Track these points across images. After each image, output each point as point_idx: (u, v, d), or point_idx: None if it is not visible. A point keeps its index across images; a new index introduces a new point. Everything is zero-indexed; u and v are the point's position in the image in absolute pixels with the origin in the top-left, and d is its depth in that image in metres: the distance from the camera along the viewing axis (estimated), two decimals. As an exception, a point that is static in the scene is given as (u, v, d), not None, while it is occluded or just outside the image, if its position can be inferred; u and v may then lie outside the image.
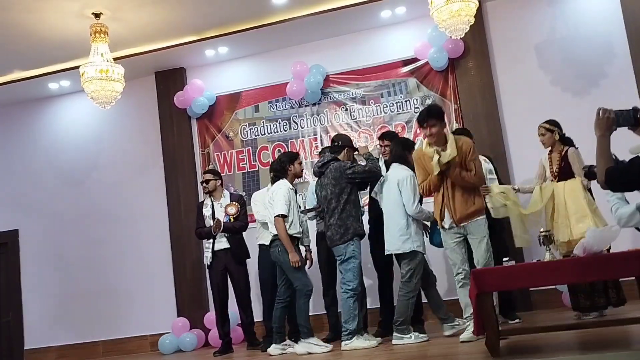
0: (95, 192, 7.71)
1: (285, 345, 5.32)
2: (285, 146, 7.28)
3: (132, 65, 6.92)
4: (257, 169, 7.30)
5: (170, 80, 7.62)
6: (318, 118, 7.26)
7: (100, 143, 7.86)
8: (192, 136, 7.57)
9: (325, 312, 5.90)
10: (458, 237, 4.64)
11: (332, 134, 7.15)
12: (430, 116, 4.60)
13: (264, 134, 7.41)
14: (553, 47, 6.64)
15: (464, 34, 5.69)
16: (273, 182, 5.42)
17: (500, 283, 3.88)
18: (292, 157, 5.52)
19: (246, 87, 7.50)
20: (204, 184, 6.17)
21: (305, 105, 7.29)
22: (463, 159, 4.59)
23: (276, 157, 5.99)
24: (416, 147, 5.05)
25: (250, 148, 7.42)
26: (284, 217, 5.16)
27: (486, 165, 5.41)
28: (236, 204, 6.08)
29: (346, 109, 7.19)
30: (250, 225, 6.25)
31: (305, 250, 5.79)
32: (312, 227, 5.98)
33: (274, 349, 5.29)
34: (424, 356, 4.27)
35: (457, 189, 4.61)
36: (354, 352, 4.86)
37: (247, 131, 7.46)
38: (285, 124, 7.37)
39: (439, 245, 4.95)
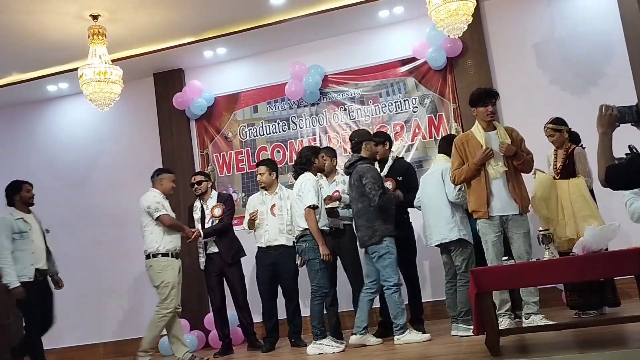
0: (95, 194, 7.71)
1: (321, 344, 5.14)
2: (284, 147, 7.28)
3: (131, 66, 6.92)
4: (256, 169, 7.27)
5: (168, 81, 7.62)
6: (317, 118, 7.26)
7: (99, 145, 7.86)
8: (191, 137, 7.57)
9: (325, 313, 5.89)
10: (499, 232, 4.69)
11: (331, 134, 7.16)
12: (495, 95, 4.77)
13: (263, 134, 7.41)
14: (551, 46, 6.64)
15: (462, 33, 5.70)
16: (297, 177, 5.40)
17: (499, 282, 3.87)
18: (316, 150, 5.55)
19: (245, 87, 7.51)
20: (196, 186, 6.09)
21: (304, 106, 7.29)
22: (517, 146, 4.71)
23: (298, 152, 5.92)
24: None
25: (249, 149, 7.42)
26: (314, 207, 5.12)
27: None
28: (221, 204, 6.00)
29: (345, 109, 7.19)
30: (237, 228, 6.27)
31: None
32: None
33: (311, 348, 5.11)
34: (424, 356, 4.27)
35: (518, 176, 4.71)
36: (358, 350, 4.87)
37: (246, 132, 7.46)
38: (284, 124, 7.36)
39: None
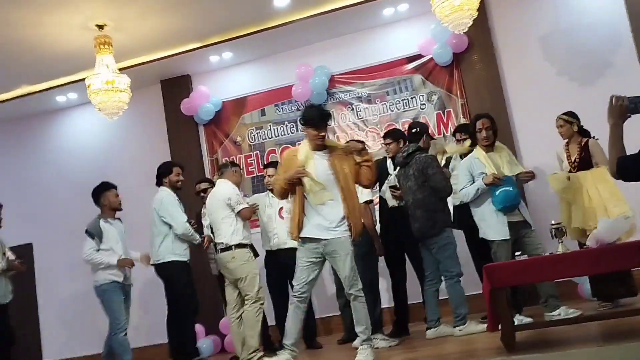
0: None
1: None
2: (293, 149, 7.29)
3: (138, 74, 6.96)
4: (264, 172, 7.28)
5: (176, 88, 7.65)
6: (325, 119, 7.24)
7: (109, 153, 7.92)
8: (200, 143, 7.59)
9: (339, 313, 5.89)
10: (313, 257, 4.30)
11: (340, 134, 7.16)
12: (329, 119, 4.37)
13: (271, 137, 7.42)
14: (557, 38, 6.60)
15: (467, 28, 5.68)
16: None
17: (513, 277, 3.85)
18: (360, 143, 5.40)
19: (252, 91, 7.53)
20: (202, 194, 6.08)
21: (312, 107, 7.29)
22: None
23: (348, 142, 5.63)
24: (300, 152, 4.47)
25: (258, 152, 7.43)
26: (369, 202, 5.03)
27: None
28: None
29: (352, 109, 7.18)
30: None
31: None
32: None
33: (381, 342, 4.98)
34: (440, 354, 4.26)
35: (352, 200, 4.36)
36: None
37: (254, 135, 7.48)
38: (292, 126, 7.37)
39: (502, 207, 4.76)
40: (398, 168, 5.36)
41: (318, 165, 4.26)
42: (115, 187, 5.87)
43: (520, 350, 3.68)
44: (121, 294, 5.56)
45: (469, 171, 4.90)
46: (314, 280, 4.33)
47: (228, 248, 5.16)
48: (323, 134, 4.30)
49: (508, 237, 4.73)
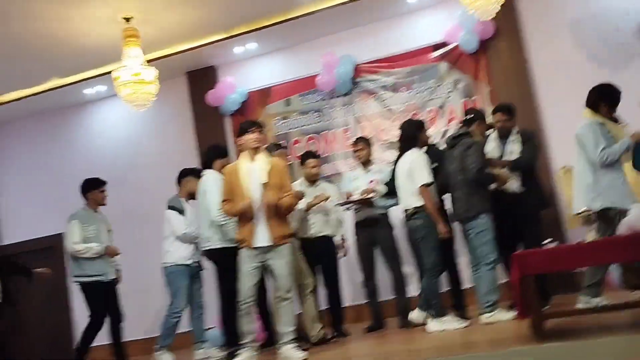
0: (135, 193, 7.86)
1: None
2: (318, 138, 7.30)
3: (164, 66, 7.00)
4: (291, 162, 7.30)
5: (201, 79, 7.71)
6: (350, 108, 7.24)
7: (137, 145, 8.03)
8: (226, 133, 7.64)
9: (365, 302, 5.90)
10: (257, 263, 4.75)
11: (364, 123, 7.14)
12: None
13: (296, 127, 7.43)
14: (587, 22, 6.47)
15: (494, 15, 5.60)
16: (402, 153, 5.21)
17: (543, 265, 3.82)
18: (419, 124, 5.37)
19: (276, 81, 7.54)
20: None
21: (337, 96, 7.28)
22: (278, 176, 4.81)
23: (403, 123, 5.47)
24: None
25: (283, 141, 7.45)
26: (429, 185, 4.99)
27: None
28: None
29: (377, 98, 7.15)
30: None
31: (341, 240, 5.83)
32: (349, 216, 5.99)
33: (434, 325, 4.93)
34: (467, 341, 4.25)
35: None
36: (400, 332, 4.86)
37: (279, 125, 7.50)
38: (317, 115, 7.37)
39: None
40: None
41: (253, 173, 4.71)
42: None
43: (549, 338, 3.66)
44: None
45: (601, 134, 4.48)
46: (256, 286, 4.73)
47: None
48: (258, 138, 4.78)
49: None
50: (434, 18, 6.99)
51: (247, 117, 7.57)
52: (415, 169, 5.00)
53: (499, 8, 5.52)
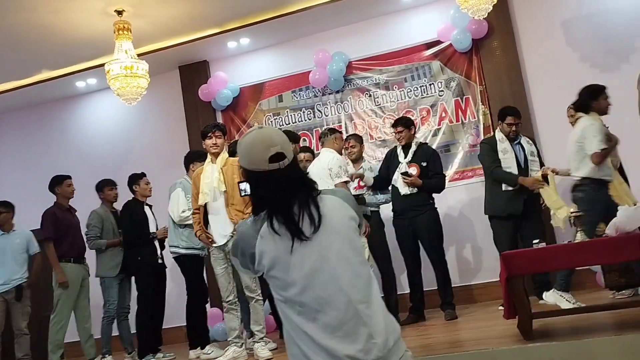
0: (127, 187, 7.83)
1: None
2: (310, 135, 7.28)
3: (156, 60, 6.98)
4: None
5: (194, 73, 7.68)
6: (342, 105, 7.23)
7: (128, 138, 7.99)
8: (218, 128, 7.61)
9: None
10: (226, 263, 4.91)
11: (357, 121, 7.13)
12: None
13: (289, 123, 7.42)
14: (580, 23, 6.49)
15: (487, 14, 5.60)
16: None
17: (530, 266, 3.83)
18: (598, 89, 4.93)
19: (269, 77, 7.52)
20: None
21: (329, 93, 7.27)
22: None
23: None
24: None
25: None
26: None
27: (529, 147, 5.42)
28: None
29: (370, 95, 7.14)
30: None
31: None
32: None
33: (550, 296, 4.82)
34: (455, 341, 4.26)
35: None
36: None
37: (271, 121, 7.48)
38: (309, 112, 7.36)
39: None
40: (409, 156, 5.45)
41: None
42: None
43: (537, 338, 3.67)
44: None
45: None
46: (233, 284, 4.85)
47: None
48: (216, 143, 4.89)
49: None
50: (427, 16, 6.98)
51: (238, 113, 7.58)
52: (585, 137, 4.70)
53: (492, 7, 5.53)
